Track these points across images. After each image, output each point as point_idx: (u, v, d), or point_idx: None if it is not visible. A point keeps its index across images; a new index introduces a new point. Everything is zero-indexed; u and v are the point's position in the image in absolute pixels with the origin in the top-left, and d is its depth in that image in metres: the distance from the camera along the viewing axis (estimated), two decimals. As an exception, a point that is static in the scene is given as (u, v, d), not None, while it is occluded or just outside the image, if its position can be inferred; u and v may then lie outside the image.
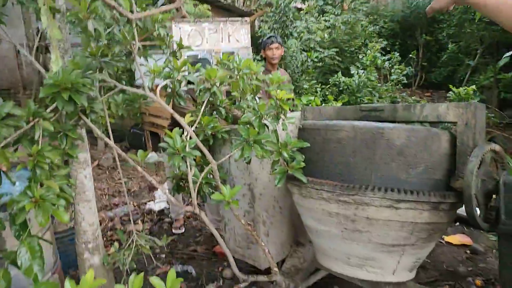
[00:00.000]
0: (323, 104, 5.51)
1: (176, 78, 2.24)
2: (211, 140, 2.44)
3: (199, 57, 6.59)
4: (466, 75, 9.79)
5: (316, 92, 7.46)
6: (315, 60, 8.22)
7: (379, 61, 6.38)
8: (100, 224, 4.11)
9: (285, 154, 1.86)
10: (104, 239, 3.75)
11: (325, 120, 2.34)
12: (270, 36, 3.89)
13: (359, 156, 1.84)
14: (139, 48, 2.18)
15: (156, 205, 4.43)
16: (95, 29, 1.64)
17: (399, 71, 6.32)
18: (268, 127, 2.01)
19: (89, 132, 2.05)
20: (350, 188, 1.77)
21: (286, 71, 4.61)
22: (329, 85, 7.60)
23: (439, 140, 1.82)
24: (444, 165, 1.83)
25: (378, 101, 5.67)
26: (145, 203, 4.65)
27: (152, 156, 4.64)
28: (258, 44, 7.33)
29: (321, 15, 9.74)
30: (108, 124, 2.15)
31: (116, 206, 4.70)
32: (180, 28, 6.53)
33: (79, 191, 2.10)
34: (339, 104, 5.33)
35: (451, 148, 1.85)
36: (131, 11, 1.93)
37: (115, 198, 4.95)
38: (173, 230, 3.82)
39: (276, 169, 1.90)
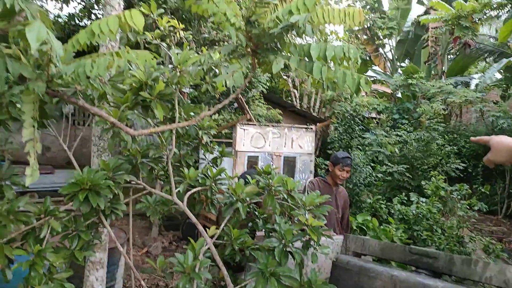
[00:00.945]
0: (383, 226, 5.06)
1: (210, 185, 2.19)
2: (238, 256, 2.24)
3: (259, 158, 6.76)
4: None
5: (381, 208, 7.04)
6: (383, 174, 7.90)
7: (442, 192, 5.84)
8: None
9: (306, 296, 1.60)
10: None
11: (367, 256, 2.05)
12: (347, 157, 3.65)
13: (395, 316, 1.50)
14: (175, 153, 2.21)
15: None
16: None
17: (467, 206, 5.70)
18: (294, 257, 1.79)
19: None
20: None
21: (345, 188, 4.37)
22: (395, 203, 7.06)
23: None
24: None
25: (439, 239, 5.01)
26: (176, 306, 4.35)
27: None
28: (328, 153, 7.19)
29: (393, 129, 9.61)
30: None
31: (148, 303, 4.47)
32: (244, 130, 6.91)
33: (85, 294, 1.98)
34: (399, 231, 4.84)
35: None
36: (173, 118, 2.00)
37: (150, 291, 4.75)
38: None
39: (293, 311, 1.62)
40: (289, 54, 1.53)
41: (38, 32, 0.99)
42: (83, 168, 1.71)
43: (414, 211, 5.78)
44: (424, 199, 6.26)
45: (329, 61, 1.45)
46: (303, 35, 1.44)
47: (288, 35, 1.52)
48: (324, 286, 1.61)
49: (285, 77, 11.67)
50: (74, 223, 1.71)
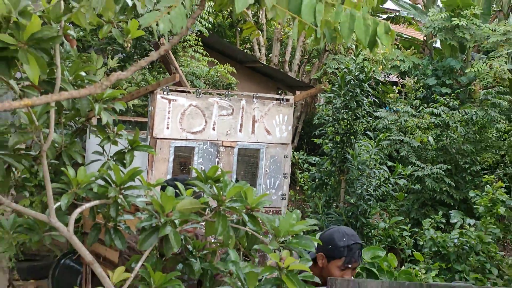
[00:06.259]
0: (405, 267, 5.33)
1: (114, 198, 2.25)
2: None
3: (195, 151, 6.88)
4: None
5: (402, 238, 7.39)
6: (407, 179, 8.23)
7: (501, 209, 6.20)
8: None
9: None
10: None
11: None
12: (356, 244, 3.44)
13: None
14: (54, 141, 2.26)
15: None
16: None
17: None
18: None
19: None
20: None
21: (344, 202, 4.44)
22: (426, 228, 7.37)
23: None
24: None
25: (495, 284, 5.37)
26: None
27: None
28: (314, 145, 7.15)
29: (426, 104, 10.04)
30: None
31: None
32: (170, 102, 6.95)
33: None
34: (432, 274, 5.11)
35: None
36: (52, 81, 2.04)
37: None
38: None
39: None
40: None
41: None
42: None
43: (456, 241, 6.12)
44: (472, 221, 6.59)
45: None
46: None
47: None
48: None
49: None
50: None
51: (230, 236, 2.11)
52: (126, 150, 2.58)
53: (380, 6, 14.91)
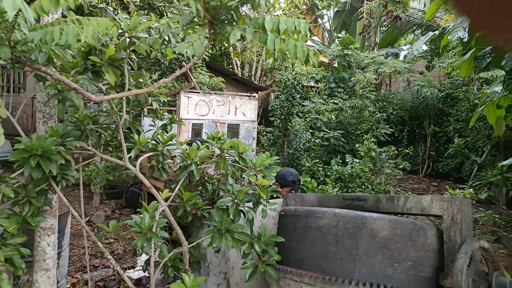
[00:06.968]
0: (321, 186, 5.43)
1: (161, 151, 2.22)
2: (190, 217, 2.33)
3: (203, 125, 6.80)
4: (473, 170, 9.64)
5: (318, 171, 7.61)
6: (320, 139, 8.35)
7: (373, 153, 6.48)
8: (74, 287, 3.85)
9: (258, 248, 1.75)
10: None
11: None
12: (298, 180, 3.33)
13: (341, 247, 1.74)
14: (127, 119, 2.20)
15: (136, 273, 4.16)
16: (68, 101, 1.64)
17: (394, 165, 6.49)
18: (245, 215, 1.92)
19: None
20: (331, 282, 1.65)
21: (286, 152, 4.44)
22: (331, 165, 7.57)
23: (425, 234, 1.72)
24: (432, 261, 1.70)
25: (370, 193, 5.59)
26: (126, 269, 4.40)
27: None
28: (269, 120, 7.18)
29: (330, 98, 10.07)
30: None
31: (95, 268, 4.45)
32: (188, 98, 6.91)
33: (39, 258, 1.98)
34: (335, 189, 5.26)
35: (438, 243, 1.74)
36: (123, 85, 1.98)
37: (96, 259, 4.73)
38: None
39: (247, 263, 1.77)
40: (244, 26, 1.59)
41: (14, 0, 0.99)
42: (12, 137, 1.66)
43: (349, 171, 6.30)
44: (357, 160, 6.81)
45: (281, 34, 1.53)
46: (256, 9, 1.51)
47: (242, 8, 1.58)
48: (272, 239, 1.78)
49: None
50: (24, 189, 1.68)
51: (228, 169, 2.12)
52: (167, 123, 2.55)
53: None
